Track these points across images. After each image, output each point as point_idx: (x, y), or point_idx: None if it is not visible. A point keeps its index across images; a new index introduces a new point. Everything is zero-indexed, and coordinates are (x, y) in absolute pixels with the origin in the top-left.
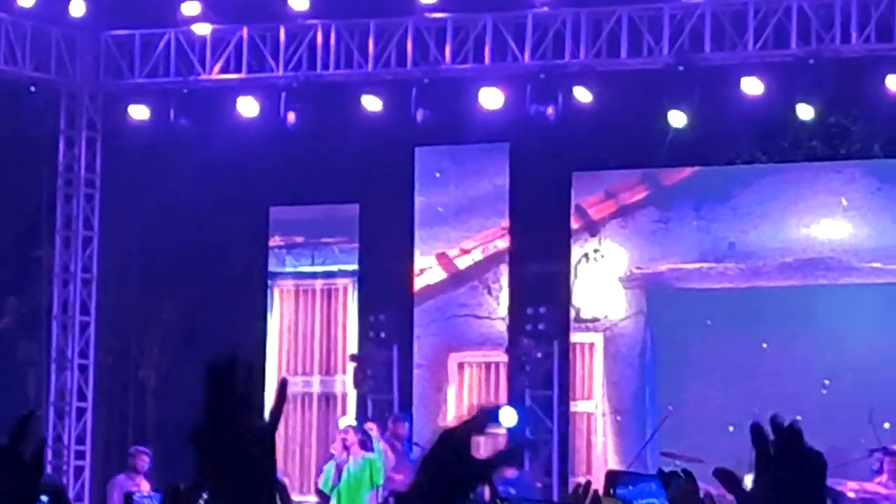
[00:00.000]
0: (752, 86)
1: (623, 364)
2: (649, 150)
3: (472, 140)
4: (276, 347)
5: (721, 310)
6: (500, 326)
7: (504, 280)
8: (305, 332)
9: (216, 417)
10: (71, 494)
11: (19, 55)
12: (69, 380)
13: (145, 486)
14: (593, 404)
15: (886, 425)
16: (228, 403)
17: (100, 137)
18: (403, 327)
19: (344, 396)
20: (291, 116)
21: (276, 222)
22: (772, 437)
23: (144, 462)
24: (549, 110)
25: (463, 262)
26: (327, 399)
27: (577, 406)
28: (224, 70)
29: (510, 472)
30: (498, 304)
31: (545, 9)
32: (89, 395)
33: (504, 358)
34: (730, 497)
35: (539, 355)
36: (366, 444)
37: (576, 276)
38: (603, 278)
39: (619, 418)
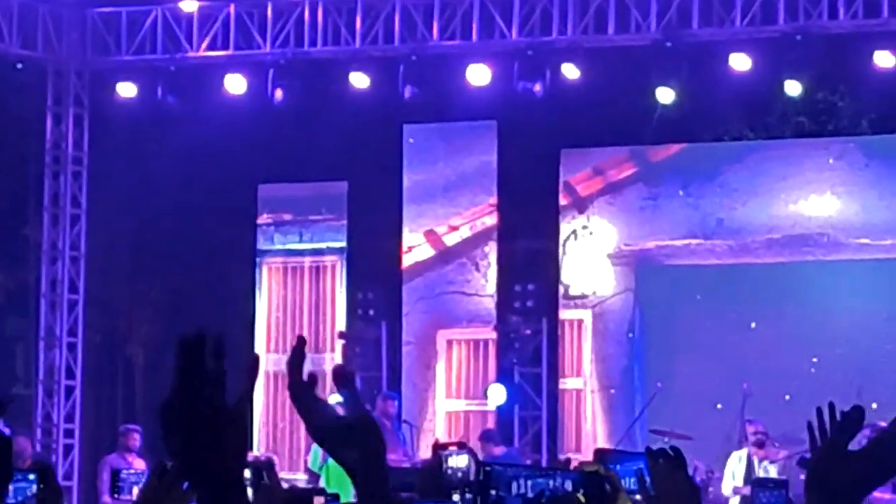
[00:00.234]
0: (739, 62)
1: (612, 341)
2: (637, 127)
3: (460, 117)
4: (265, 325)
5: (709, 286)
6: (489, 303)
7: (492, 257)
8: (294, 309)
9: (187, 393)
10: (60, 473)
11: (6, 32)
12: (58, 358)
13: (139, 465)
14: (582, 381)
15: (874, 405)
16: (199, 380)
17: (87, 115)
18: (392, 304)
19: None
20: (279, 94)
21: (264, 200)
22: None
23: (135, 440)
24: (537, 87)
25: (451, 239)
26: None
27: (566, 383)
28: (211, 47)
29: (498, 449)
30: (486, 281)
31: None
32: (78, 373)
33: (493, 335)
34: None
35: (528, 332)
36: None
37: (564, 252)
38: (591, 255)
39: (612, 392)
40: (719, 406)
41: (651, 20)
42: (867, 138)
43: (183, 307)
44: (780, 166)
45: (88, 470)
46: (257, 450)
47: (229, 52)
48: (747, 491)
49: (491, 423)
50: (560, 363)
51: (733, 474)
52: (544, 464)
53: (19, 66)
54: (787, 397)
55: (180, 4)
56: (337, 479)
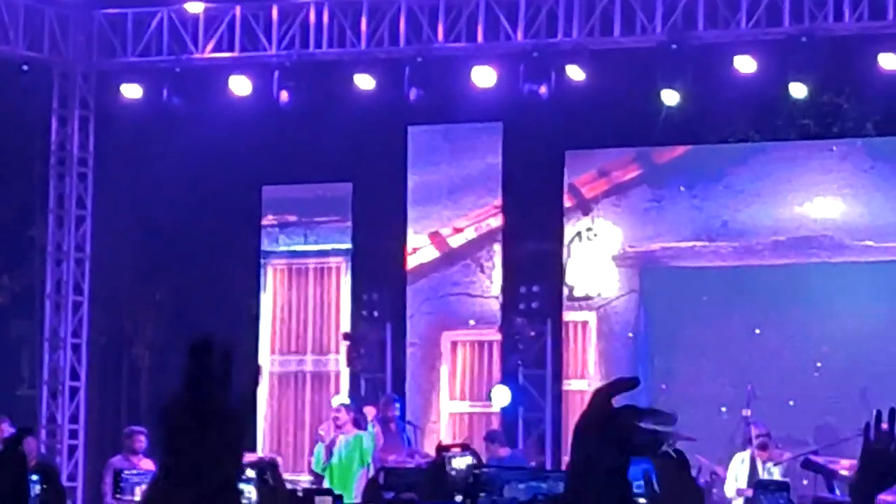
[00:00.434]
0: (745, 64)
1: (616, 343)
2: (642, 129)
3: (465, 119)
4: (269, 326)
5: (714, 288)
6: (494, 305)
7: (497, 259)
8: (298, 311)
9: (194, 395)
10: (64, 474)
11: (12, 34)
12: (62, 359)
13: (146, 465)
14: (586, 383)
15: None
16: (207, 383)
17: (92, 116)
18: (396, 306)
19: (337, 375)
20: (284, 95)
21: (268, 201)
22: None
23: (141, 442)
24: (542, 89)
25: (456, 241)
26: (320, 378)
27: (571, 385)
28: (217, 49)
29: (504, 451)
30: (491, 283)
31: None
32: (82, 374)
33: (497, 336)
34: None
35: (532, 334)
36: (359, 422)
37: (569, 254)
38: (596, 257)
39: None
40: (723, 409)
41: (656, 22)
42: (872, 140)
43: (187, 308)
44: (785, 168)
45: (93, 471)
46: (262, 451)
47: (235, 53)
48: (750, 493)
49: (495, 425)
50: (564, 365)
51: (736, 476)
52: (549, 466)
53: (25, 67)
54: (791, 402)
55: (186, 6)
56: (340, 480)
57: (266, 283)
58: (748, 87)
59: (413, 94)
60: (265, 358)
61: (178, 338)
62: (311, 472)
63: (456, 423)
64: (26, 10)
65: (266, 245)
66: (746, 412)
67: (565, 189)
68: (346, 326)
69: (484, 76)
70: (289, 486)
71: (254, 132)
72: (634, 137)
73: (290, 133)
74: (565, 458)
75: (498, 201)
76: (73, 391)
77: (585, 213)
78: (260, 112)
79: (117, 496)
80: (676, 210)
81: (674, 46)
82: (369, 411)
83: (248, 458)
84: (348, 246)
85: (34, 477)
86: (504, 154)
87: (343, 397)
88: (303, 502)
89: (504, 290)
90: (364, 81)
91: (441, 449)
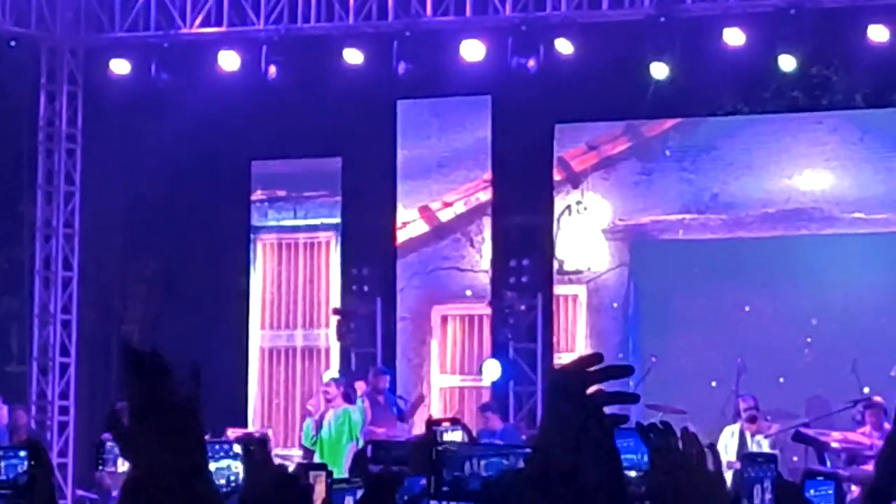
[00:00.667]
0: (733, 36)
1: (606, 316)
2: (631, 102)
3: (454, 93)
4: (259, 301)
5: (704, 261)
6: (484, 279)
7: (487, 233)
8: (288, 285)
9: (142, 386)
10: (55, 450)
11: None
12: (52, 335)
13: None
14: (577, 356)
15: (866, 390)
16: (148, 376)
17: (81, 92)
18: (386, 280)
19: (327, 350)
20: (273, 70)
21: (258, 176)
22: None
23: None
24: (531, 62)
25: (445, 215)
26: (311, 353)
27: (562, 358)
28: (205, 24)
29: (498, 424)
30: (481, 257)
31: None
32: (72, 350)
33: (487, 310)
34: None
35: (522, 308)
36: (350, 396)
37: (559, 228)
38: (586, 230)
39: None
40: (714, 384)
41: None
42: (861, 112)
43: (177, 283)
44: (775, 141)
45: (83, 447)
46: (252, 426)
47: (223, 28)
48: (738, 465)
49: (486, 399)
50: (555, 338)
51: (726, 448)
52: None
53: (13, 43)
54: (782, 380)
55: None
56: (330, 454)
57: (255, 259)
58: (737, 60)
59: (402, 68)
60: (255, 333)
61: (168, 313)
62: (302, 446)
63: (446, 397)
64: None
65: (255, 220)
66: (733, 386)
67: (554, 163)
68: (335, 301)
69: (472, 50)
70: (279, 460)
71: (242, 107)
72: (623, 111)
73: (278, 108)
74: None
75: (487, 175)
76: (64, 367)
77: (575, 187)
78: (248, 87)
79: (100, 468)
80: (666, 183)
81: (662, 19)
82: (360, 386)
83: (237, 433)
84: (338, 221)
85: (21, 454)
86: (493, 128)
87: (333, 372)
88: (291, 477)
89: (494, 263)
90: (352, 56)
91: (431, 423)
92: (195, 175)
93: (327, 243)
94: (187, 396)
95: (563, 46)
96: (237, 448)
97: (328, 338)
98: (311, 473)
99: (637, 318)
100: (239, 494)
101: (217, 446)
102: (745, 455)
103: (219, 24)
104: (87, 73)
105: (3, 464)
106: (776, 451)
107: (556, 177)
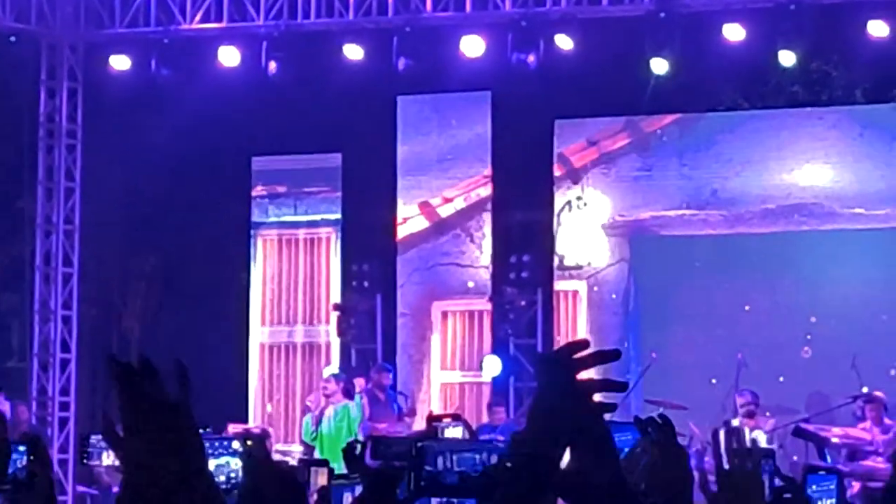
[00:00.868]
0: (733, 32)
1: (606, 312)
2: (631, 98)
3: (454, 88)
4: (260, 297)
5: (704, 257)
6: (484, 275)
7: (487, 228)
8: (289, 281)
9: (132, 395)
10: (55, 445)
11: None
12: (52, 331)
13: None
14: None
15: (865, 389)
16: (137, 385)
17: (81, 88)
18: (387, 276)
19: (328, 346)
20: (273, 66)
21: (258, 172)
22: None
23: None
24: (531, 58)
25: (445, 211)
26: (311, 349)
27: None
28: (205, 19)
29: (501, 418)
30: (481, 253)
31: None
32: (73, 346)
33: (488, 306)
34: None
35: (523, 303)
36: (350, 392)
37: (559, 223)
38: (586, 226)
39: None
40: (714, 381)
41: None
42: (861, 108)
43: (177, 279)
44: (775, 136)
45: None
46: (252, 422)
47: (223, 24)
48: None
49: (486, 395)
50: (555, 334)
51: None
52: None
53: (13, 39)
54: (782, 379)
55: None
56: (330, 449)
57: (256, 254)
58: (737, 55)
59: (402, 63)
60: (255, 329)
61: (168, 309)
62: (302, 442)
63: (447, 393)
64: None
65: (256, 216)
66: (733, 382)
67: (555, 158)
68: (336, 297)
69: (472, 46)
70: (280, 457)
71: (243, 103)
72: (623, 106)
73: (278, 104)
74: None
75: (487, 171)
76: (64, 363)
77: (575, 182)
78: (248, 83)
79: (84, 461)
80: (666, 178)
81: (662, 15)
82: (358, 383)
83: (236, 429)
84: (338, 216)
85: (21, 448)
86: (493, 124)
87: (334, 368)
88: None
89: (494, 259)
90: (353, 51)
91: (432, 419)
92: (195, 171)
93: (327, 239)
94: (176, 399)
95: (563, 42)
96: (236, 445)
97: (328, 334)
98: (312, 469)
99: (637, 314)
100: (238, 491)
101: (216, 443)
102: (727, 450)
103: (219, 19)
104: (87, 69)
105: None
106: (773, 447)
107: (556, 172)
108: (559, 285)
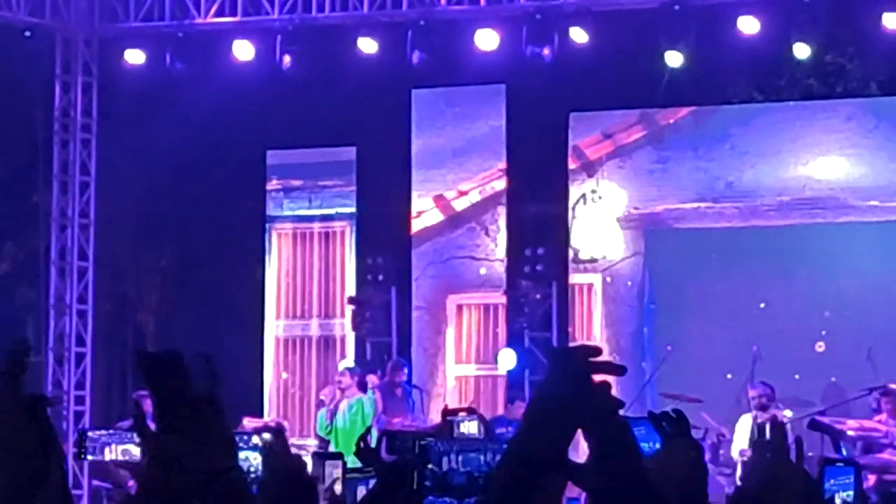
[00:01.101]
0: (748, 24)
1: (621, 305)
2: (646, 90)
3: (469, 82)
4: (275, 291)
5: (719, 249)
6: (499, 268)
7: (502, 222)
8: (304, 275)
9: (163, 387)
10: (70, 440)
11: (13, 0)
12: (68, 325)
13: None
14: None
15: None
16: (167, 376)
17: (96, 82)
18: (401, 270)
19: (343, 339)
20: (287, 60)
21: (272, 166)
22: None
23: (150, 405)
24: (546, 51)
25: (460, 204)
26: (326, 342)
27: None
28: (219, 13)
29: (518, 412)
30: (496, 246)
31: None
32: (88, 340)
33: (503, 300)
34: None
35: (538, 297)
36: (364, 386)
37: (574, 216)
38: (601, 219)
39: (617, 358)
40: (729, 376)
41: None
42: (876, 100)
43: (192, 273)
44: (790, 129)
45: None
46: (268, 416)
47: (237, 18)
48: (749, 453)
49: (501, 388)
50: (570, 327)
51: (741, 436)
52: None
53: (27, 34)
54: (797, 376)
55: None
56: (344, 443)
57: (271, 248)
58: (752, 48)
59: (416, 57)
60: (270, 323)
61: (183, 303)
62: (317, 436)
63: (462, 386)
64: None
65: (271, 210)
66: (748, 374)
67: (570, 151)
68: (351, 290)
69: (487, 39)
70: (295, 450)
71: (257, 97)
72: (638, 99)
73: (293, 97)
74: None
75: (502, 164)
76: (80, 357)
77: (590, 175)
78: (263, 77)
79: (82, 457)
80: (681, 171)
81: (677, 7)
82: (371, 379)
83: (253, 423)
84: (353, 210)
85: None
86: (508, 117)
87: (349, 361)
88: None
89: (509, 252)
90: (367, 45)
91: (447, 413)
92: (210, 165)
93: (342, 233)
94: (206, 393)
95: (578, 35)
96: (256, 440)
97: (343, 327)
98: (327, 463)
99: (652, 307)
100: (259, 485)
101: (236, 438)
102: (755, 442)
103: (233, 13)
104: (102, 64)
105: None
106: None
107: (571, 165)
108: (574, 278)
